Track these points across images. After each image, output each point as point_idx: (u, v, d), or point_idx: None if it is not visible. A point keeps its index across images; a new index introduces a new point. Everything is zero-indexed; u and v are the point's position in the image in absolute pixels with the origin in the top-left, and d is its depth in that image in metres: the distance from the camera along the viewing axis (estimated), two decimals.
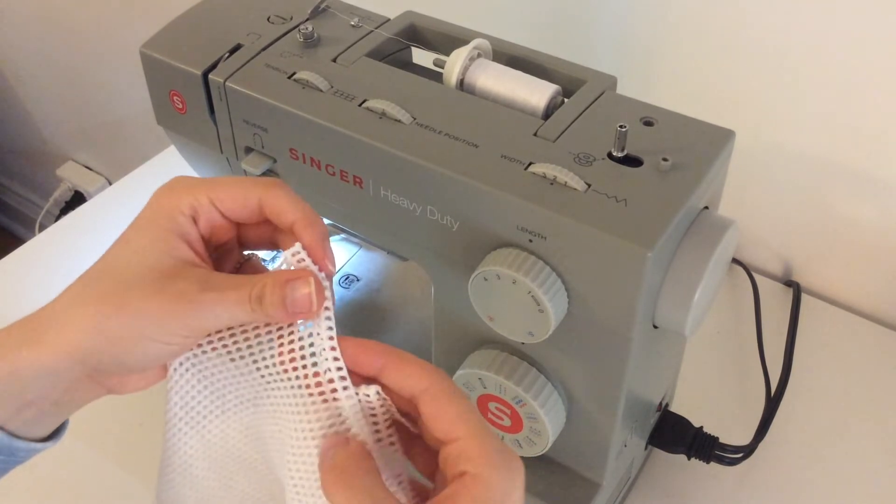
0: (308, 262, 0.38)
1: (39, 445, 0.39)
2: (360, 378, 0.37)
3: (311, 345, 0.37)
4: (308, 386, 0.37)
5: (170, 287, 0.36)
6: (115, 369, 0.37)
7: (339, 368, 0.36)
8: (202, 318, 0.36)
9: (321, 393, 0.36)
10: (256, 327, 0.38)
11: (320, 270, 0.38)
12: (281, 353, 0.37)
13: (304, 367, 0.37)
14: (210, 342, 0.39)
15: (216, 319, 0.37)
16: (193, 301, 0.36)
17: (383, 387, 0.37)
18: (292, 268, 0.38)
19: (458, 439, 0.34)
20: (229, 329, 0.38)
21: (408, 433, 0.38)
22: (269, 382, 0.38)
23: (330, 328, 0.37)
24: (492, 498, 0.33)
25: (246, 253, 0.43)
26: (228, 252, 0.42)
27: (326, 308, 0.37)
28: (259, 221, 0.40)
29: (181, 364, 0.39)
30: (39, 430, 0.39)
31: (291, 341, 0.37)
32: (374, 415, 0.36)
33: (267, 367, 0.38)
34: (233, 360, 0.39)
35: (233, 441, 0.41)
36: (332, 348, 0.37)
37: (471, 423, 0.34)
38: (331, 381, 0.36)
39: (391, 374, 0.36)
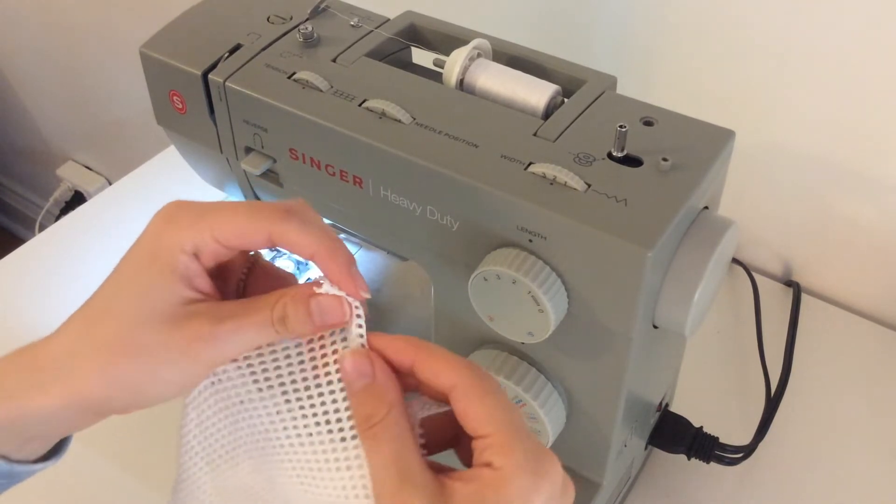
0: (335, 290, 0.37)
1: (40, 466, 0.38)
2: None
3: (345, 346, 0.36)
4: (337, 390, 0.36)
5: (183, 328, 0.35)
6: (127, 409, 0.36)
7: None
8: (223, 351, 0.35)
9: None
10: (283, 346, 0.37)
11: (356, 298, 0.37)
12: (312, 359, 0.36)
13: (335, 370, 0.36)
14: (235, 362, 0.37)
15: (237, 348, 0.36)
16: (210, 338, 0.35)
17: (418, 383, 0.36)
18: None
19: (488, 436, 0.33)
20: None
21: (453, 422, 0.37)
22: (288, 402, 0.37)
23: (360, 326, 0.36)
24: (509, 495, 0.32)
25: (251, 253, 0.41)
26: (235, 269, 0.40)
27: (358, 315, 0.37)
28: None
29: (200, 392, 0.38)
30: (41, 453, 0.39)
31: (323, 346, 0.36)
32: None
33: (294, 381, 0.37)
34: (256, 381, 0.37)
35: (243, 474, 0.40)
36: (363, 346, 0.36)
37: (501, 421, 0.33)
38: None
39: (422, 371, 0.35)
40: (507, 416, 0.34)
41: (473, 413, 0.34)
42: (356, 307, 0.37)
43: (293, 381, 0.37)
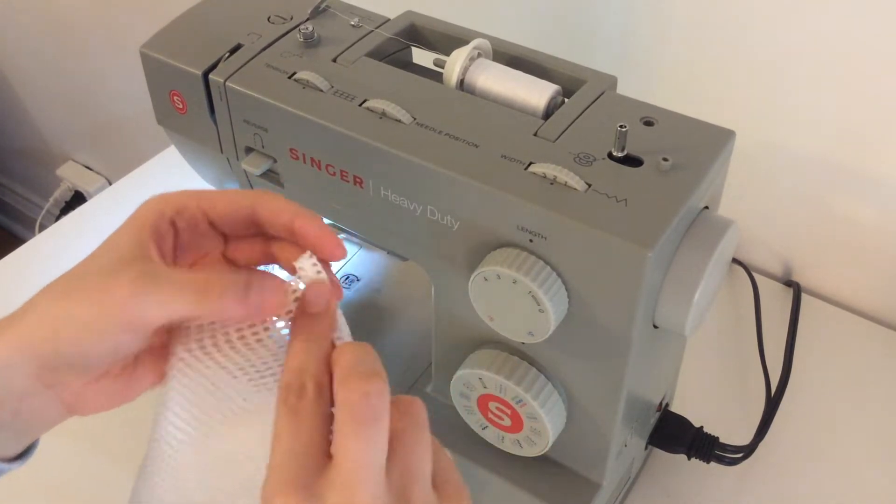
0: (322, 270, 0.37)
1: (5, 466, 0.38)
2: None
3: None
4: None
5: (121, 274, 0.35)
6: (70, 365, 0.36)
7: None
8: (148, 302, 0.35)
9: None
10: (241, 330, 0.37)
11: (334, 258, 0.37)
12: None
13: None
14: (190, 349, 0.37)
15: (163, 306, 0.35)
16: (137, 288, 0.34)
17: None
18: (309, 276, 0.37)
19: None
20: (210, 333, 0.37)
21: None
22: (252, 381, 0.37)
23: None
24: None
25: None
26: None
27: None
28: (250, 234, 0.39)
29: (172, 377, 0.37)
30: (5, 446, 0.38)
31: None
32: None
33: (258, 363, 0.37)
34: (222, 367, 0.37)
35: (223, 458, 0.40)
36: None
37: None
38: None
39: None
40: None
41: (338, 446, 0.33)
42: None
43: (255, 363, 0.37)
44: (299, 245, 0.39)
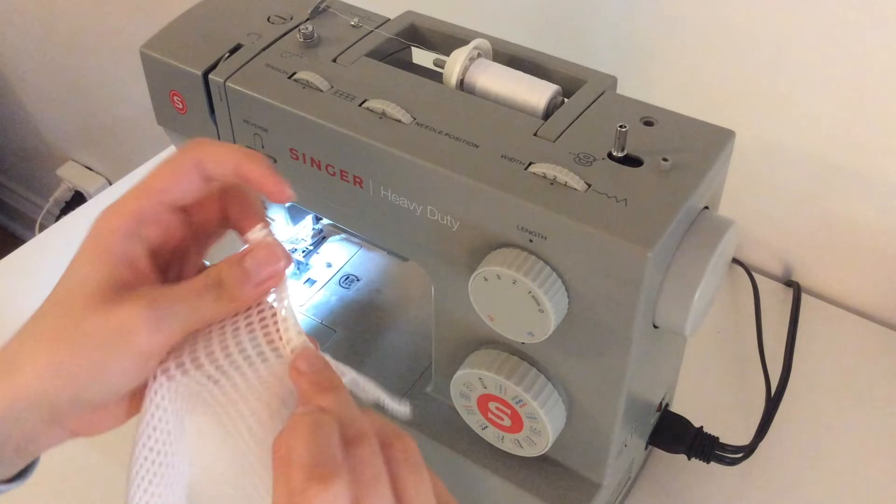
0: (272, 237, 0.37)
1: (3, 487, 0.38)
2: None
3: (282, 313, 0.37)
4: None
5: (118, 310, 0.34)
6: (74, 408, 0.36)
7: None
8: (160, 331, 0.35)
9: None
10: (223, 332, 0.37)
11: (280, 199, 0.37)
12: (265, 330, 0.36)
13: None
14: (181, 365, 0.37)
15: (180, 324, 0.35)
16: (146, 317, 0.34)
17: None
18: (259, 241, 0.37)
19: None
20: (193, 343, 0.37)
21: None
22: (244, 376, 0.37)
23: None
24: None
25: (207, 263, 0.41)
26: (188, 261, 0.40)
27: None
28: (206, 197, 0.38)
29: (153, 398, 0.37)
30: (5, 472, 0.38)
31: (263, 318, 0.37)
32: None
33: (248, 357, 0.37)
34: (212, 366, 0.37)
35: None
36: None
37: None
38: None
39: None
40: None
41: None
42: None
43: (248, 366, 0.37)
44: (246, 194, 0.39)
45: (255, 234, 0.37)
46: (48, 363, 0.35)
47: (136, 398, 0.37)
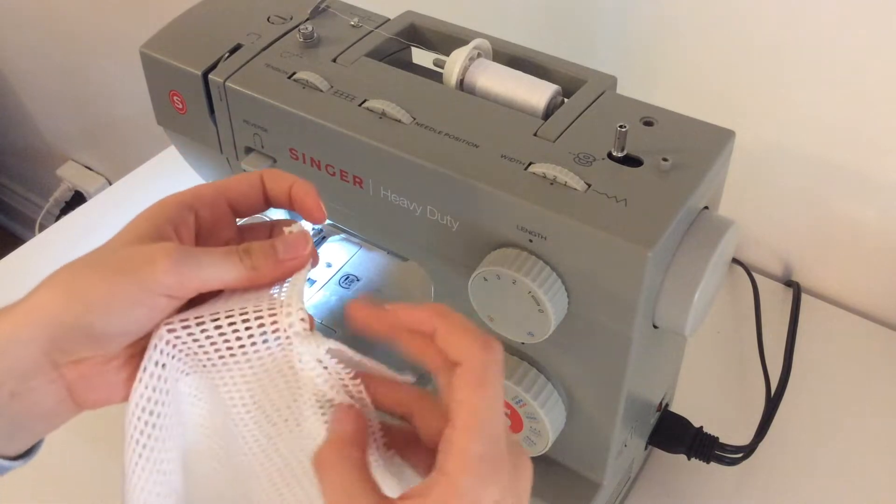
0: (307, 233, 0.39)
1: (8, 463, 0.37)
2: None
3: (289, 304, 0.37)
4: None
5: (143, 246, 0.36)
6: (76, 337, 0.35)
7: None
8: (187, 272, 0.36)
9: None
10: (231, 308, 0.37)
11: (314, 220, 0.40)
12: (273, 318, 0.37)
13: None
14: (187, 326, 0.37)
15: (199, 271, 0.36)
16: (174, 254, 0.35)
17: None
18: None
19: (453, 428, 0.34)
20: (200, 309, 0.37)
21: (403, 437, 0.38)
22: (252, 367, 0.37)
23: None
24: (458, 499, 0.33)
25: None
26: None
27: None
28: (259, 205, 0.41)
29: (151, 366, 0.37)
30: (12, 447, 0.37)
31: (272, 306, 0.37)
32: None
33: (252, 336, 0.37)
34: (220, 338, 0.37)
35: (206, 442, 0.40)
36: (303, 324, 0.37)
37: (471, 426, 0.34)
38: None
39: (440, 341, 0.36)
40: (481, 419, 0.34)
41: (458, 401, 0.34)
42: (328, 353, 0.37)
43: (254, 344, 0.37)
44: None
45: (290, 228, 0.40)
46: (63, 281, 0.35)
47: (132, 376, 0.37)
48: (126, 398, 0.37)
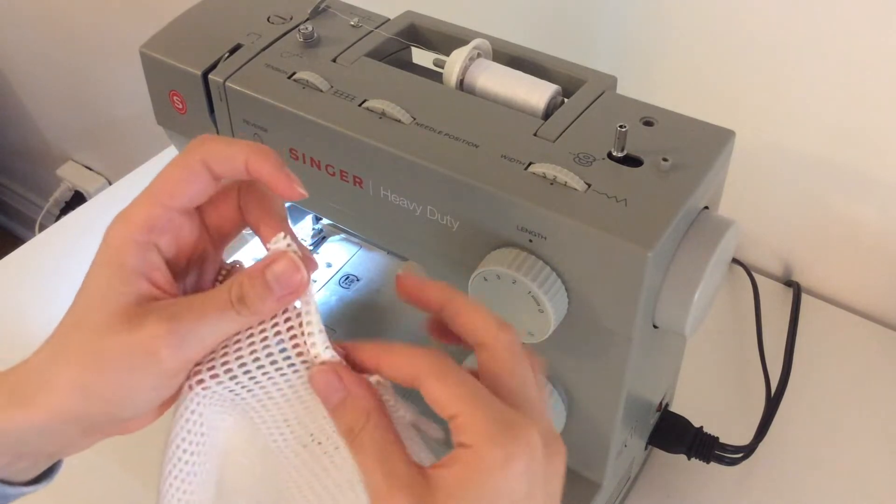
0: (294, 246, 0.36)
1: (31, 488, 0.38)
2: None
3: (309, 323, 0.36)
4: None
5: (140, 330, 0.34)
6: (110, 423, 0.36)
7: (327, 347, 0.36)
8: (184, 349, 0.34)
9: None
10: (252, 340, 0.36)
11: (290, 197, 0.36)
12: (294, 342, 0.36)
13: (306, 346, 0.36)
14: (212, 369, 0.36)
15: (199, 343, 0.35)
16: (168, 336, 0.34)
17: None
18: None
19: (456, 416, 0.34)
20: (224, 351, 0.36)
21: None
22: (272, 379, 0.37)
23: (319, 331, 0.36)
24: (484, 468, 0.32)
25: (229, 261, 0.40)
26: (206, 262, 0.39)
27: (309, 322, 0.36)
28: (220, 197, 0.38)
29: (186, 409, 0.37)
30: (32, 474, 0.38)
31: (290, 327, 0.36)
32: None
33: (275, 362, 0.36)
34: (244, 375, 0.36)
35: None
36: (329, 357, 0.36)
37: (463, 398, 0.34)
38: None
39: (386, 370, 0.36)
40: (468, 392, 0.34)
41: (437, 396, 0.34)
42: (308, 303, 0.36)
43: (282, 395, 0.37)
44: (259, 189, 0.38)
45: (278, 244, 0.36)
46: (76, 385, 0.34)
47: (170, 400, 0.37)
48: (159, 417, 0.38)
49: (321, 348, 0.36)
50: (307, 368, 0.36)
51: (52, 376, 0.35)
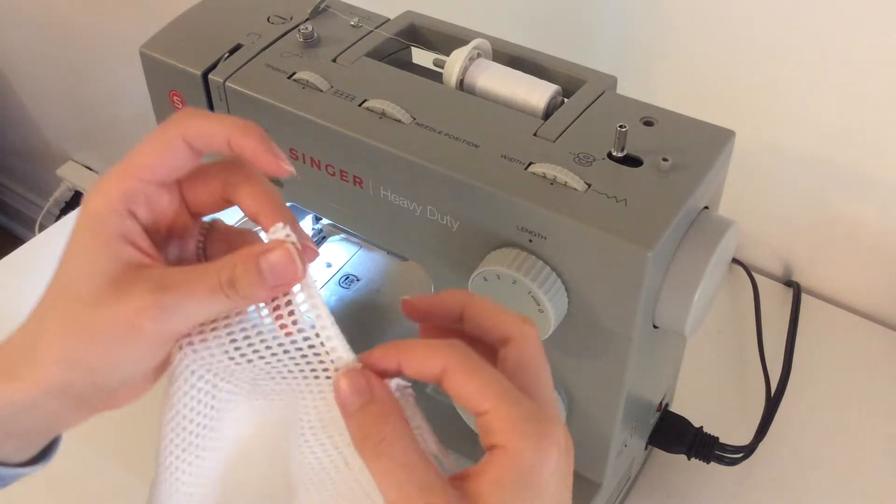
0: (294, 237, 0.34)
1: (28, 470, 0.38)
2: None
3: (319, 317, 0.34)
4: (313, 347, 0.35)
5: (125, 301, 0.33)
6: (97, 393, 0.35)
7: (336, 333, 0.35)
8: (169, 324, 0.33)
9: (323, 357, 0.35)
10: (243, 325, 0.35)
11: (277, 173, 0.35)
12: (281, 324, 0.35)
13: (303, 333, 0.35)
14: (202, 334, 0.35)
15: (184, 320, 0.34)
16: (153, 309, 0.33)
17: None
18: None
19: (486, 412, 0.33)
20: (213, 326, 0.35)
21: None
22: (268, 363, 0.36)
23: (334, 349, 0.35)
24: (521, 468, 0.32)
25: (205, 219, 0.38)
26: (185, 229, 0.38)
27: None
28: (200, 176, 0.37)
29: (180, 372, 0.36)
30: (28, 454, 0.38)
31: (291, 312, 0.35)
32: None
33: (269, 347, 0.35)
34: (235, 351, 0.35)
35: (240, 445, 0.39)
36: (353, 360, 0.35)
37: (493, 393, 0.33)
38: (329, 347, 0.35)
39: (409, 368, 0.34)
40: (500, 388, 0.33)
41: (466, 392, 0.33)
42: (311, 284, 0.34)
43: (269, 347, 0.35)
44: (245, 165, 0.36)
45: (276, 233, 0.35)
46: (64, 358, 0.34)
47: (158, 368, 0.37)
48: (150, 388, 0.37)
49: (342, 351, 0.34)
50: (299, 352, 0.35)
51: (35, 349, 0.34)
